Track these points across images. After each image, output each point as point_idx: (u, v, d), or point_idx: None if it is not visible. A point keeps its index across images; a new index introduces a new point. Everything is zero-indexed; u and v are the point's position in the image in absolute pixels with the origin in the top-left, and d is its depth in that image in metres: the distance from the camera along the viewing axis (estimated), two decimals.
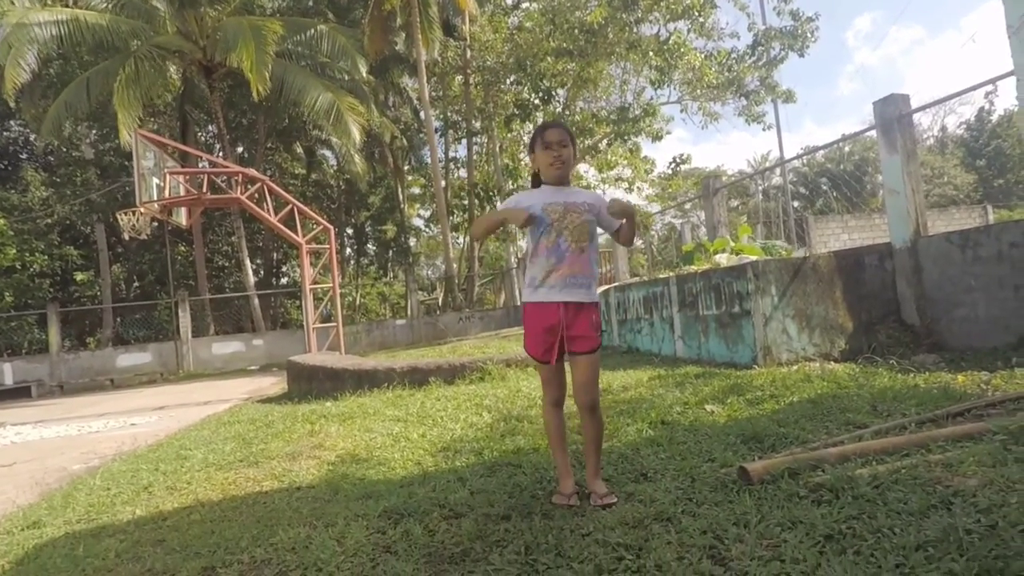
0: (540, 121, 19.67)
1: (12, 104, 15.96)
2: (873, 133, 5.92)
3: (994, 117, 33.10)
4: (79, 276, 21.25)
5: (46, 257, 19.58)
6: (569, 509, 2.34)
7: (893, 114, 5.58)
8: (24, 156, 22.98)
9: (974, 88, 5.52)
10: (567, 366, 2.53)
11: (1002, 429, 2.50)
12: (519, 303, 22.66)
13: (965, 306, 5.06)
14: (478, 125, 22.52)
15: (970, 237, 5.04)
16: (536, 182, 2.62)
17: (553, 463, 2.65)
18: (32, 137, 21.73)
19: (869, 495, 2.04)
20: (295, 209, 11.38)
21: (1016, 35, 2.24)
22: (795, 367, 4.95)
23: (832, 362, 5.12)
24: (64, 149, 21.27)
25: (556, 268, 2.43)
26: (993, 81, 5.23)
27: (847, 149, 35.01)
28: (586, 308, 2.46)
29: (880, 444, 2.53)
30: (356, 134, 16.04)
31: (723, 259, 6.88)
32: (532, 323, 2.51)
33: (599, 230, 2.60)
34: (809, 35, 16.52)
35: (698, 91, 17.74)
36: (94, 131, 21.89)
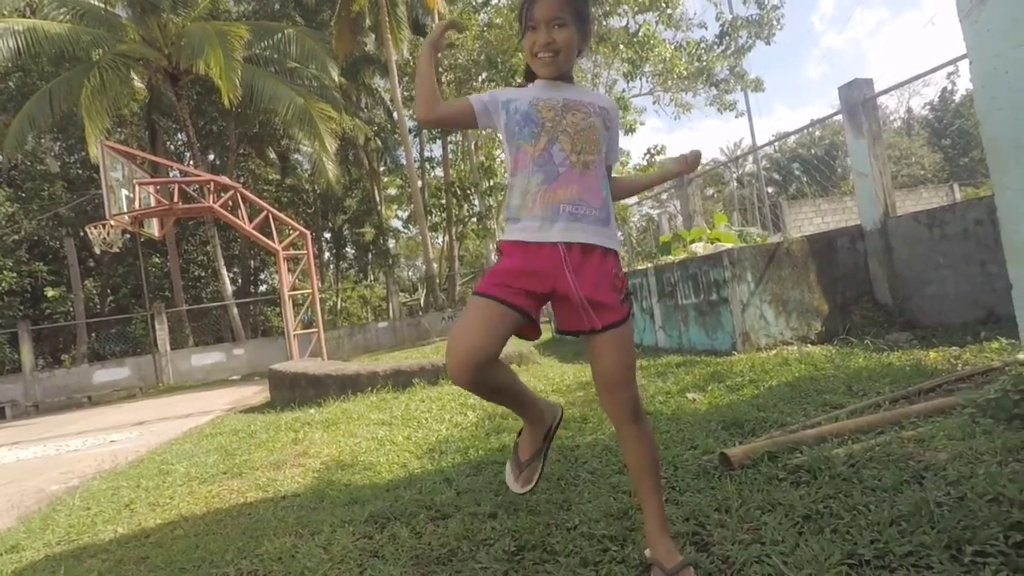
0: None
1: None
2: (840, 117, 6.02)
3: (957, 97, 33.82)
4: (50, 292, 20.79)
5: (15, 274, 19.13)
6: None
7: (858, 98, 5.68)
8: None
9: (935, 70, 5.62)
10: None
11: (971, 402, 2.56)
12: None
13: (935, 283, 5.18)
14: None
15: (937, 216, 5.16)
16: (530, 79, 1.84)
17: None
18: None
19: (845, 474, 2.09)
20: (270, 215, 11.26)
21: (967, 18, 2.30)
22: (773, 351, 5.03)
23: (809, 345, 5.21)
24: (28, 163, 20.77)
25: (544, 189, 1.65)
26: (954, 62, 5.34)
27: (817, 134, 35.54)
28: (598, 255, 1.66)
29: (855, 423, 2.58)
30: (329, 143, 15.91)
31: (699, 248, 6.95)
32: (503, 263, 1.69)
33: None
34: (775, 23, 16.76)
35: (669, 82, 17.90)
36: (59, 143, 21.41)
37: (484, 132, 21.98)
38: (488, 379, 1.66)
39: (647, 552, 1.69)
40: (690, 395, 3.87)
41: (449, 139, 23.28)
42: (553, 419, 1.99)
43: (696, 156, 1.78)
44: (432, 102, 1.73)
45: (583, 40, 1.76)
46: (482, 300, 1.63)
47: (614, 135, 1.80)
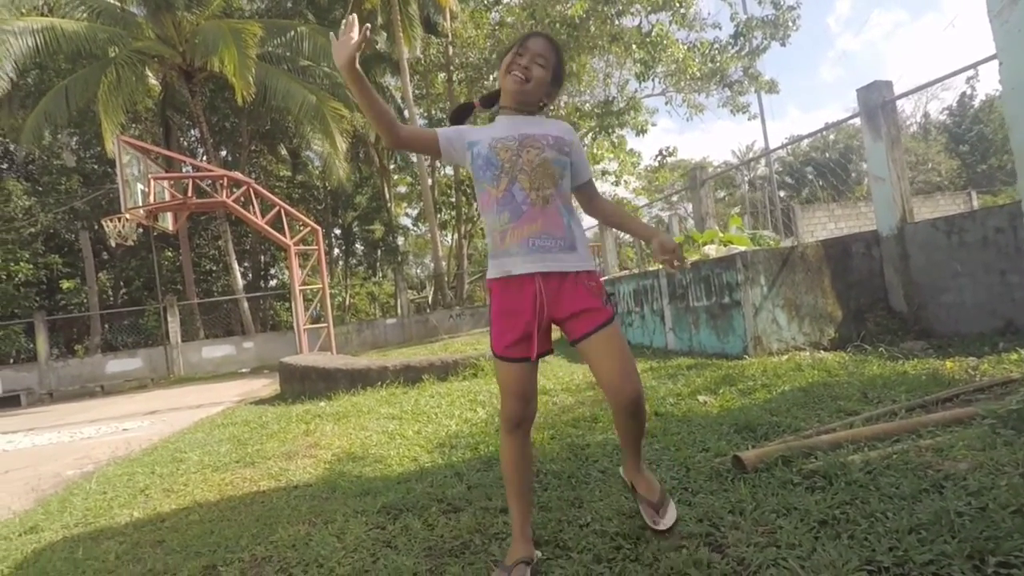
0: None
1: None
2: (857, 121, 5.97)
3: (976, 102, 33.44)
4: (65, 284, 21.01)
5: (31, 266, 19.36)
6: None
7: (877, 101, 5.63)
8: (5, 166, 22.69)
9: (956, 73, 5.56)
10: (547, 364, 1.98)
11: (991, 413, 2.54)
12: None
13: (952, 292, 5.12)
14: None
15: (955, 223, 5.10)
16: (489, 102, 1.99)
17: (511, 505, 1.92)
18: (12, 147, 21.46)
19: (862, 480, 2.07)
20: (282, 211, 11.33)
21: (998, 18, 2.27)
22: (785, 356, 5.00)
23: (822, 351, 5.17)
24: (45, 158, 21.00)
25: (512, 227, 1.79)
26: (975, 66, 5.28)
27: (832, 137, 35.27)
28: (571, 277, 1.81)
29: (871, 430, 2.56)
30: (340, 142, 15.96)
31: (712, 250, 6.92)
32: (498, 307, 1.84)
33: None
34: (791, 24, 16.60)
35: (682, 83, 17.80)
36: (75, 138, 21.63)
37: None
38: (531, 420, 1.91)
39: (622, 470, 2.01)
40: (701, 398, 3.85)
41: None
42: (535, 552, 1.86)
43: (681, 263, 1.83)
44: (388, 128, 1.82)
45: (552, 90, 1.94)
46: (507, 366, 1.83)
47: (576, 156, 1.92)
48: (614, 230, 13.20)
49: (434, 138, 1.89)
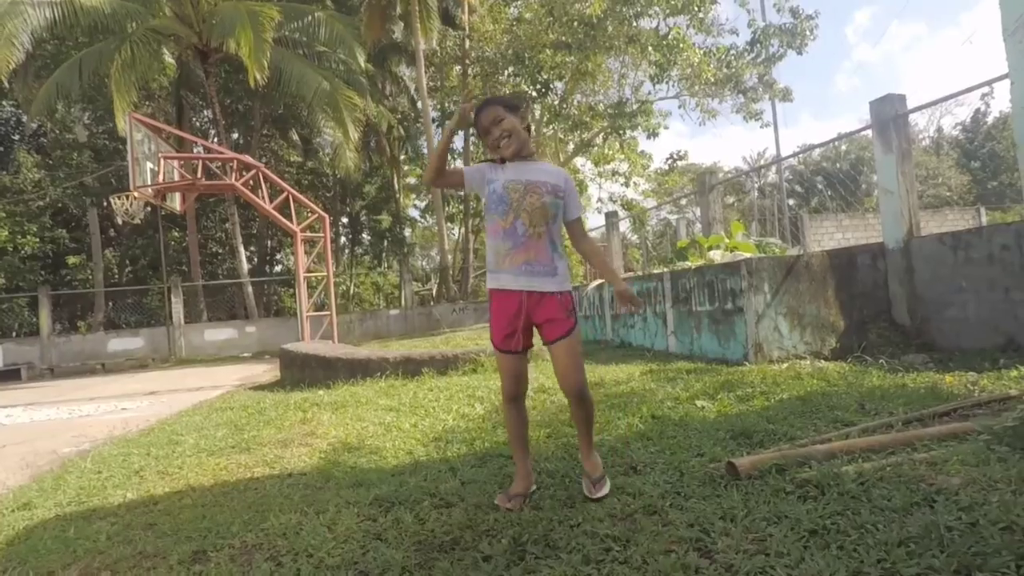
0: (536, 114, 19.64)
1: (5, 84, 15.74)
2: (869, 132, 5.94)
3: (990, 119, 33.26)
4: (71, 259, 21.10)
5: (38, 240, 19.44)
6: (518, 509, 2.25)
7: (889, 114, 5.61)
8: (16, 138, 22.75)
9: (970, 90, 5.54)
10: (529, 361, 2.47)
11: (987, 429, 2.53)
12: None
13: (955, 307, 5.11)
14: None
15: (962, 239, 5.08)
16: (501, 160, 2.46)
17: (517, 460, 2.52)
18: (24, 119, 21.51)
19: (854, 492, 2.07)
20: (290, 197, 11.34)
21: (1012, 37, 2.25)
22: (786, 365, 4.99)
23: (823, 360, 5.16)
24: (57, 131, 21.04)
25: (511, 253, 2.30)
26: (989, 83, 5.26)
27: (843, 148, 35.10)
28: (548, 295, 2.32)
29: (866, 442, 2.56)
30: (352, 131, 15.94)
31: (717, 256, 6.91)
32: (494, 310, 2.38)
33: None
34: (808, 33, 16.53)
35: (696, 87, 17.74)
36: (88, 113, 21.66)
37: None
38: (524, 394, 2.48)
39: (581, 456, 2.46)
40: (699, 402, 3.85)
41: (471, 131, 23.28)
42: (532, 485, 2.47)
43: (635, 307, 2.47)
44: (438, 175, 2.36)
45: (522, 118, 2.43)
46: (503, 356, 2.40)
47: (569, 198, 2.42)
48: (620, 232, 13.23)
49: (461, 175, 2.43)
